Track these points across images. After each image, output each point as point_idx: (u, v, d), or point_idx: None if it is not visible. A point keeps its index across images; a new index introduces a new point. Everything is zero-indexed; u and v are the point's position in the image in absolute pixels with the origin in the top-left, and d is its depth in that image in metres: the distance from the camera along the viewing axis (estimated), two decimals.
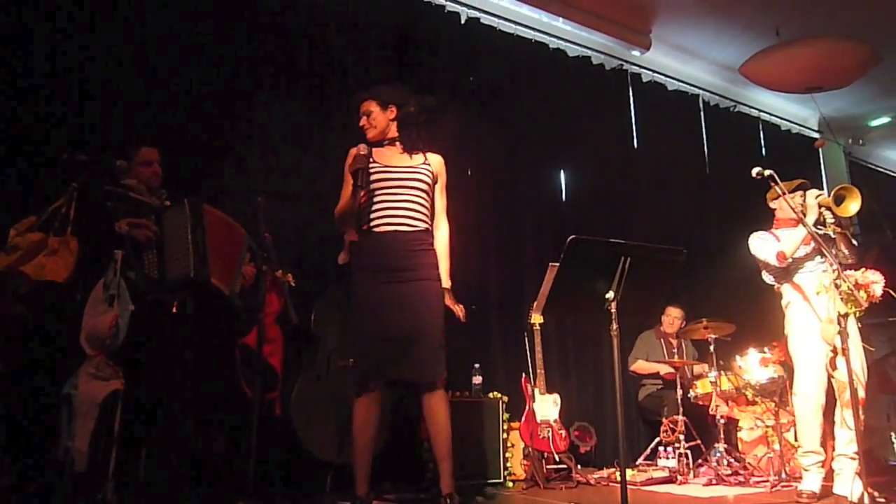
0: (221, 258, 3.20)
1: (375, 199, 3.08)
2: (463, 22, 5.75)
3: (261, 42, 4.66)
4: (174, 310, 3.17)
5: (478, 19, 5.81)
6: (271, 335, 3.36)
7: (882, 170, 9.55)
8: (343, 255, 4.36)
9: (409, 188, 3.11)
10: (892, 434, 5.31)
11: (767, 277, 3.94)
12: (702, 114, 7.44)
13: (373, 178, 3.06)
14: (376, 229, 3.08)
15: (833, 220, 3.62)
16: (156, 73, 4.14)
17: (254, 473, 3.00)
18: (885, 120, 8.41)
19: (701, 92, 7.44)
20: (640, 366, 5.53)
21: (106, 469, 2.79)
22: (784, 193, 3.61)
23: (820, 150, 8.47)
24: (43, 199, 3.08)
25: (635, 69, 6.90)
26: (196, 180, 3.95)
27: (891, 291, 3.49)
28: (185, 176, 3.61)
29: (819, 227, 3.65)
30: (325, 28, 4.96)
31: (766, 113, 8.05)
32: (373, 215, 3.08)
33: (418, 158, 3.20)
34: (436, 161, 3.24)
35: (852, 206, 3.59)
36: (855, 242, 3.72)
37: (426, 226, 3.15)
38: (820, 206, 3.64)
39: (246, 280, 3.38)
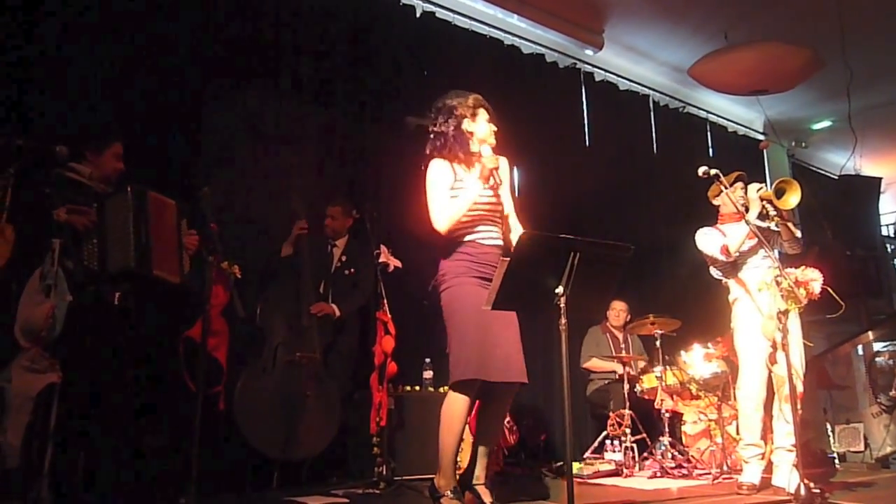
0: (165, 245, 3.13)
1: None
2: (418, 16, 5.72)
3: (213, 35, 4.55)
4: (116, 301, 3.09)
5: (433, 13, 5.79)
6: (216, 328, 3.28)
7: (823, 172, 9.87)
8: (286, 247, 4.32)
9: None
10: (829, 427, 5.50)
11: (715, 272, 4.02)
12: (652, 114, 7.58)
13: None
14: (482, 241, 3.10)
15: (775, 213, 3.71)
16: (106, 66, 4.02)
17: (197, 470, 2.93)
18: (826, 123, 8.69)
19: (651, 92, 7.57)
20: (595, 364, 5.58)
21: (40, 466, 2.69)
22: (728, 190, 3.70)
23: (764, 151, 8.72)
24: None
25: (588, 68, 6.97)
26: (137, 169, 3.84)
27: (829, 289, 3.59)
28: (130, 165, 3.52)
29: (762, 219, 3.74)
30: (278, 20, 4.88)
31: (714, 114, 8.25)
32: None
33: None
34: None
35: (792, 198, 3.68)
36: (798, 233, 3.81)
37: None
38: (761, 200, 3.73)
39: (190, 250, 3.31)
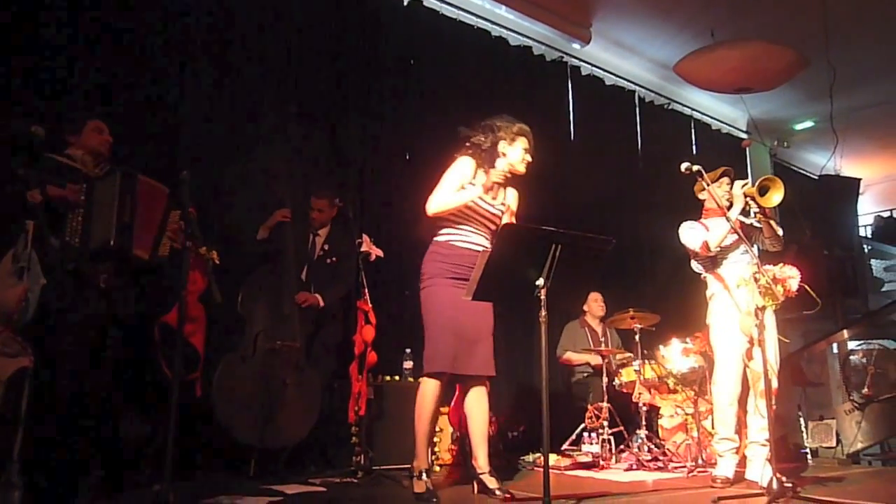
0: (147, 228, 3.17)
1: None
2: (405, 4, 5.68)
3: (193, 24, 4.48)
4: (101, 284, 3.08)
5: (420, 2, 5.75)
6: (194, 314, 3.24)
7: (803, 171, 9.98)
8: (262, 231, 4.28)
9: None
10: (802, 423, 5.57)
11: (696, 266, 4.03)
12: (637, 109, 7.61)
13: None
14: (454, 242, 3.27)
15: (757, 210, 3.73)
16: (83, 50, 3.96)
17: (173, 457, 2.89)
18: (808, 124, 8.79)
19: (637, 88, 7.59)
20: (571, 356, 5.61)
21: (10, 451, 2.65)
22: (709, 187, 3.71)
23: (747, 149, 8.78)
24: None
25: (575, 62, 6.97)
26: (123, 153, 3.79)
27: (806, 287, 3.62)
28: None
29: (745, 215, 3.76)
30: (260, 6, 4.82)
31: (698, 112, 8.30)
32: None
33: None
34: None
35: (775, 196, 3.71)
36: (780, 231, 3.84)
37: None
38: (745, 196, 3.75)
39: (175, 240, 3.30)
